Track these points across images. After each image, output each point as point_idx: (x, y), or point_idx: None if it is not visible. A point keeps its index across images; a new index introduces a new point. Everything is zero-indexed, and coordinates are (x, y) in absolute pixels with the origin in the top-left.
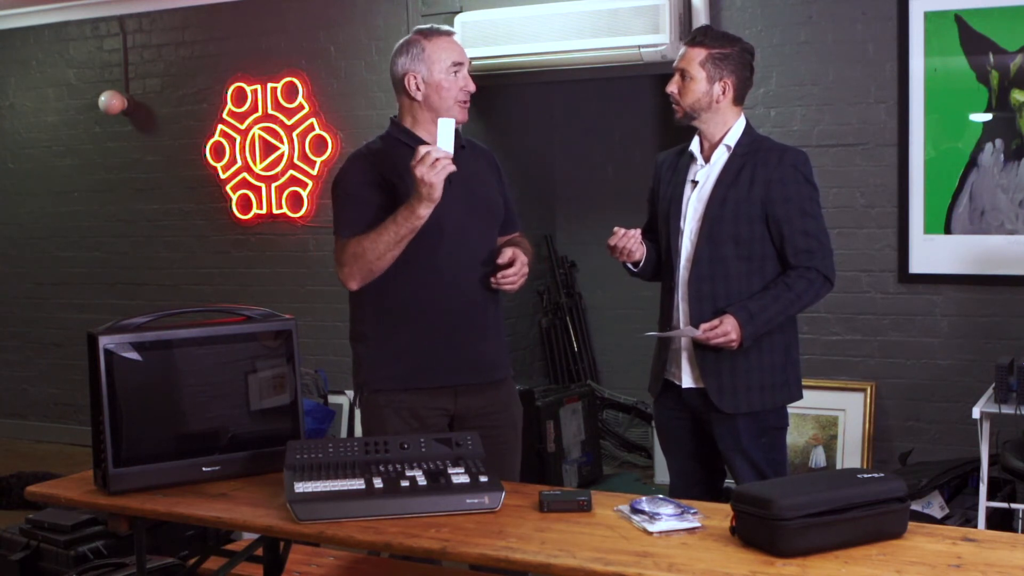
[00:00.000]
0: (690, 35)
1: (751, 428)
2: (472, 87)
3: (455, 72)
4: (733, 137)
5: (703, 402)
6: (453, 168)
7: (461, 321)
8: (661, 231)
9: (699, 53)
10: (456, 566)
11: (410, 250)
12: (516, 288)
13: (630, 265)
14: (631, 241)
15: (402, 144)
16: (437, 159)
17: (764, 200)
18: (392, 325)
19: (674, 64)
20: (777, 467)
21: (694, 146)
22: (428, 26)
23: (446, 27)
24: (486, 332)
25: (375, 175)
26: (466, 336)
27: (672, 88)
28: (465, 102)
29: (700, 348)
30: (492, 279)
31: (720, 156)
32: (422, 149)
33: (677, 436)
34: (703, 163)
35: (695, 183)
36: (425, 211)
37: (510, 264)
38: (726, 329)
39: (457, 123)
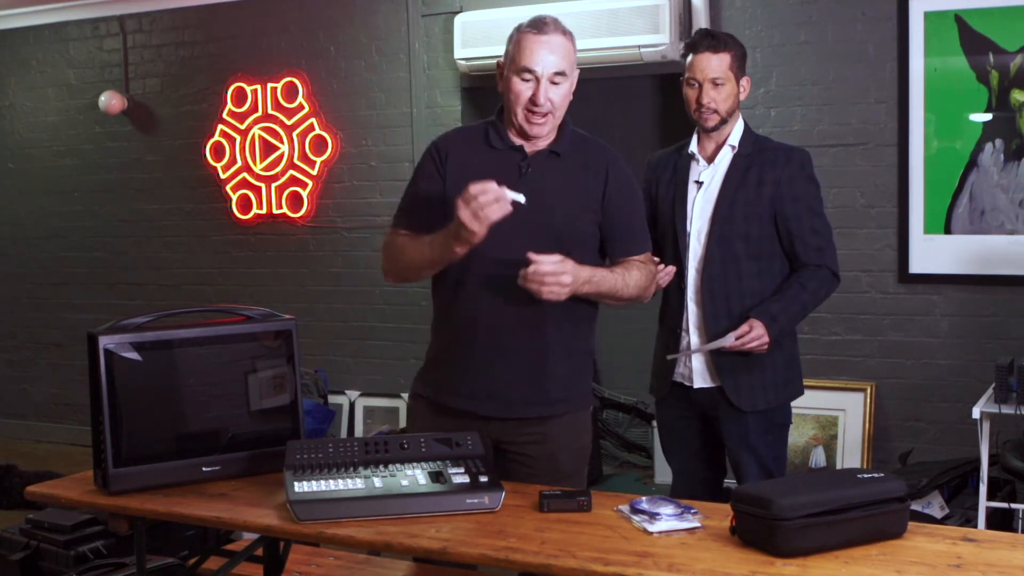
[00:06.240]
0: (705, 43)
1: (760, 425)
2: (540, 100)
3: (524, 79)
4: (736, 137)
5: (714, 401)
6: (506, 211)
7: (486, 347)
8: (663, 232)
9: (725, 58)
10: (456, 566)
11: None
12: (545, 294)
13: None
14: (665, 278)
15: (480, 135)
16: (485, 205)
17: (773, 199)
18: (437, 332)
19: (696, 75)
20: (780, 464)
21: (693, 147)
22: (541, 16)
23: (551, 22)
24: (518, 364)
25: (435, 164)
26: (490, 364)
27: (708, 99)
28: (533, 112)
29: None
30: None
31: (725, 156)
32: (473, 189)
33: (683, 436)
34: (706, 164)
35: (699, 184)
36: (461, 250)
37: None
38: (759, 333)
39: (527, 132)
